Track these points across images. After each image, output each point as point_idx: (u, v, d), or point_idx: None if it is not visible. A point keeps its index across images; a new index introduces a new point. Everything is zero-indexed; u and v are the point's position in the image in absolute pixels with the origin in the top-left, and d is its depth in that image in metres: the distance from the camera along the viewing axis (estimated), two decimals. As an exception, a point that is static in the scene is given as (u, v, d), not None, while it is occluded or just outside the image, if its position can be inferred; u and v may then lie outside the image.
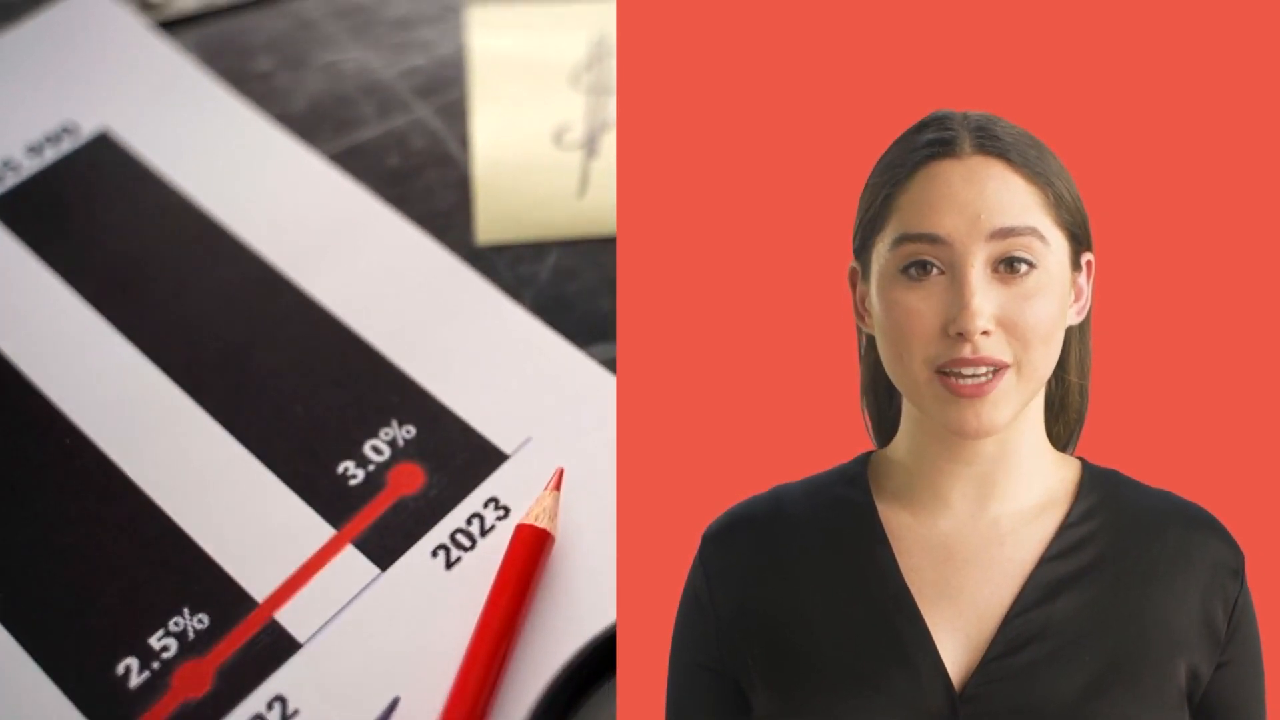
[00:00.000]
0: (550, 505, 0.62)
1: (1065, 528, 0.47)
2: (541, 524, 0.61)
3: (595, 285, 0.72)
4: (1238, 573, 0.47)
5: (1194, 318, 0.53)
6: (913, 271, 0.46)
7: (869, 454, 0.50)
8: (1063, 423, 0.49)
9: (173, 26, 0.85)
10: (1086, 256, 0.48)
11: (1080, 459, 0.49)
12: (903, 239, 0.46)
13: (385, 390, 0.68)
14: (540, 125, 0.79)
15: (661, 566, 0.51)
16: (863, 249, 0.48)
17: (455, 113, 0.80)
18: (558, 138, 0.78)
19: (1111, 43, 0.54)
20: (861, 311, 0.49)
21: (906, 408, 0.48)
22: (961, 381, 0.45)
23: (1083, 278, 0.48)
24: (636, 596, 0.53)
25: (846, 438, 0.50)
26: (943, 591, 0.46)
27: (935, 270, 0.46)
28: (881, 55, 0.54)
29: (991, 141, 0.46)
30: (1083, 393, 0.49)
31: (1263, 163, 0.53)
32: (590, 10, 0.87)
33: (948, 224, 0.45)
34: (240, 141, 0.78)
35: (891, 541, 0.47)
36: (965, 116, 0.47)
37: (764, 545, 0.48)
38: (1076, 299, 0.48)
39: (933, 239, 0.45)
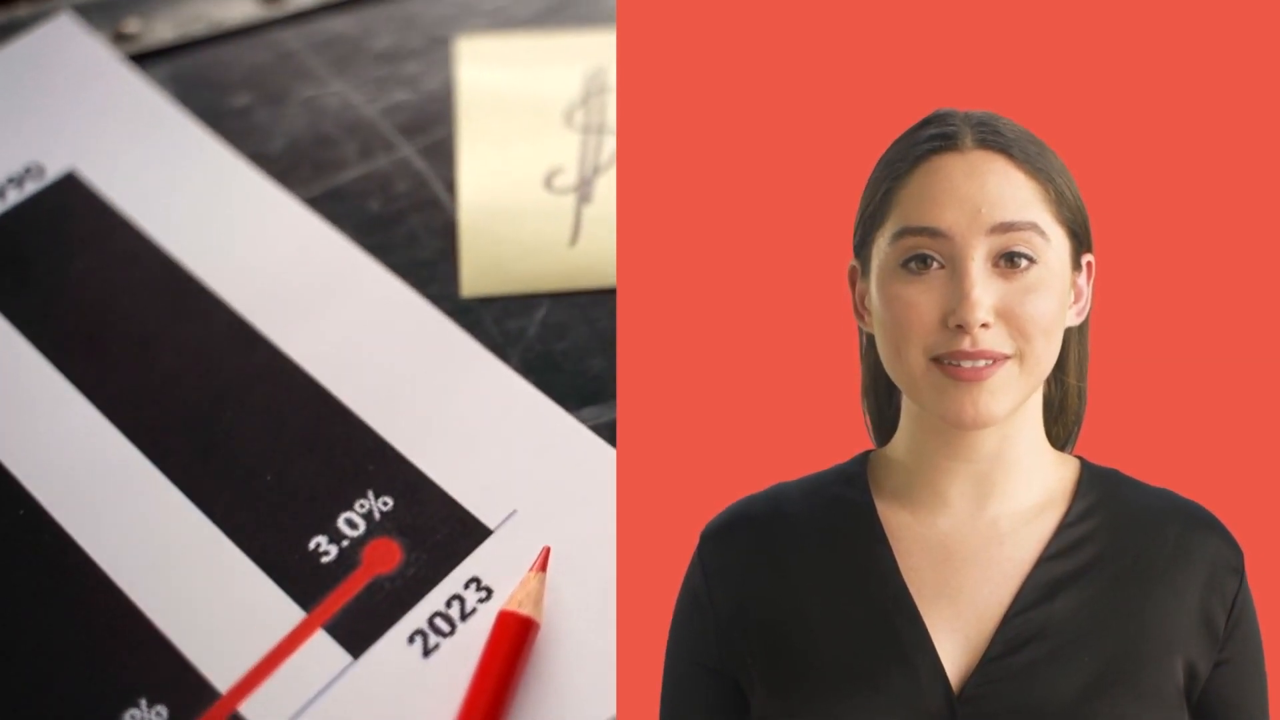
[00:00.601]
0: (535, 589, 0.58)
1: (1064, 527, 0.47)
2: (525, 610, 0.57)
3: (587, 343, 0.68)
4: (1237, 570, 0.47)
5: (1193, 319, 0.53)
6: (913, 265, 0.46)
7: (867, 453, 0.50)
8: (1061, 424, 0.49)
9: (146, 59, 0.81)
10: (1087, 258, 0.48)
11: (1079, 458, 0.49)
12: (903, 232, 0.46)
13: (361, 457, 0.64)
14: (531, 167, 0.75)
15: (661, 566, 0.51)
16: (863, 245, 0.48)
17: (441, 152, 0.76)
18: (549, 181, 0.74)
19: (1112, 44, 0.54)
20: (861, 310, 0.49)
21: (906, 405, 0.48)
22: (959, 367, 0.45)
23: (1082, 278, 0.48)
24: (636, 596, 0.52)
25: (846, 437, 0.50)
26: (941, 591, 0.46)
27: (935, 264, 0.46)
28: (881, 62, 0.54)
29: (993, 136, 0.46)
30: (1081, 395, 0.49)
31: (1262, 165, 0.53)
32: (586, 41, 0.82)
33: (948, 217, 0.45)
34: (214, 184, 0.74)
35: (891, 541, 0.47)
36: (967, 114, 0.47)
37: (763, 544, 0.48)
38: (1076, 300, 0.48)
39: (933, 232, 0.46)
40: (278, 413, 0.65)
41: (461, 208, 0.73)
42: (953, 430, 0.47)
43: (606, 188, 0.74)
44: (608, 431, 0.64)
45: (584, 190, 0.74)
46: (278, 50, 0.82)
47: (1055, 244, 0.46)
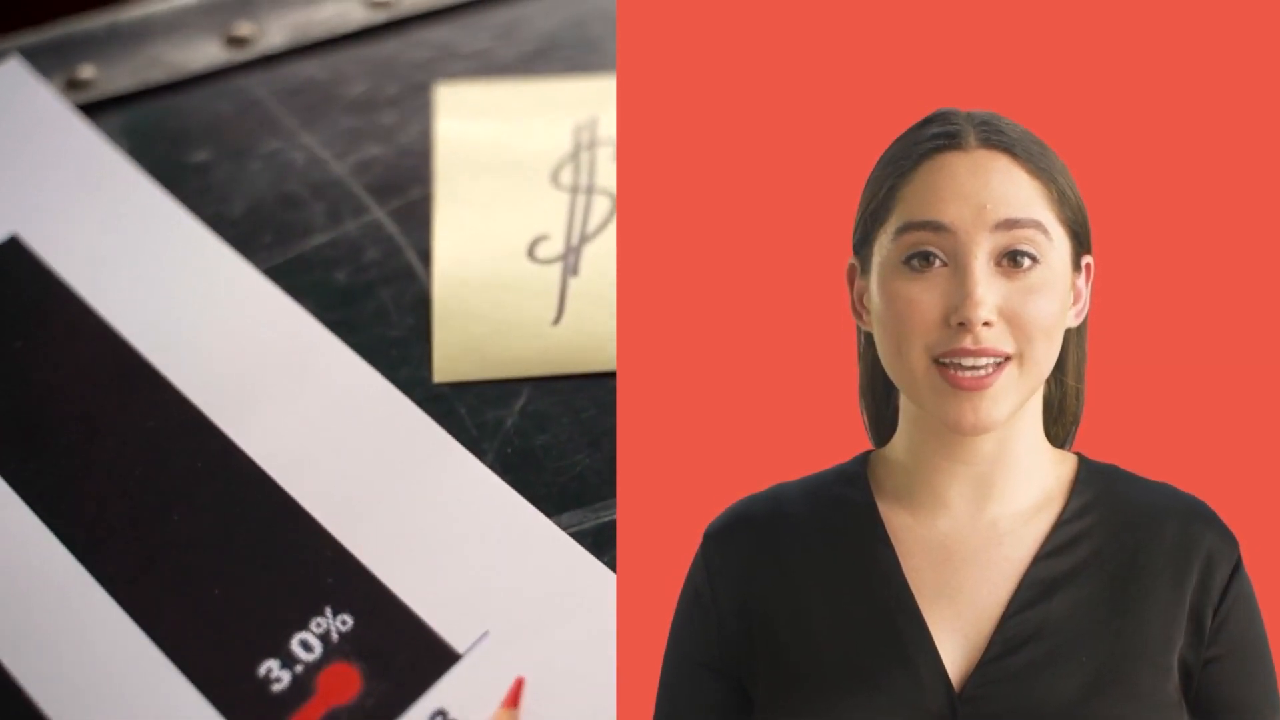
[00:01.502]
0: (506, 730, 0.52)
1: (1059, 524, 0.47)
2: (495, 756, 0.51)
3: (570, 436, 0.62)
4: (1229, 561, 0.47)
5: (1192, 319, 0.54)
6: (915, 262, 0.46)
7: (867, 453, 0.50)
8: (1060, 425, 0.49)
9: (99, 108, 0.74)
10: (1086, 259, 0.48)
11: (1078, 454, 0.49)
12: (906, 227, 0.46)
13: (319, 568, 0.58)
14: (513, 233, 0.69)
15: (661, 566, 0.51)
16: (863, 243, 0.48)
17: (415, 215, 0.70)
18: (532, 250, 0.68)
19: (1112, 45, 0.54)
20: (859, 309, 0.49)
21: (904, 405, 0.48)
22: (961, 373, 0.45)
23: (1082, 280, 0.48)
24: (636, 596, 0.52)
25: (847, 437, 0.50)
26: (942, 592, 0.46)
27: (938, 261, 0.46)
28: (881, 62, 0.54)
29: (997, 135, 0.47)
30: (1079, 396, 0.49)
31: (1261, 166, 0.54)
32: (576, 89, 0.76)
33: (952, 212, 0.46)
34: (168, 251, 0.68)
35: (893, 542, 0.47)
36: (970, 113, 0.48)
37: (766, 544, 0.48)
38: (1075, 301, 0.48)
39: (937, 226, 0.46)
40: (229, 515, 0.59)
41: (436, 281, 0.67)
42: (951, 433, 0.47)
43: (595, 259, 0.67)
44: (591, 539, 0.58)
45: (571, 261, 0.67)
46: (242, 98, 0.76)
47: (1057, 244, 0.47)
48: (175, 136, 0.74)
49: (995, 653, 0.46)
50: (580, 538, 0.58)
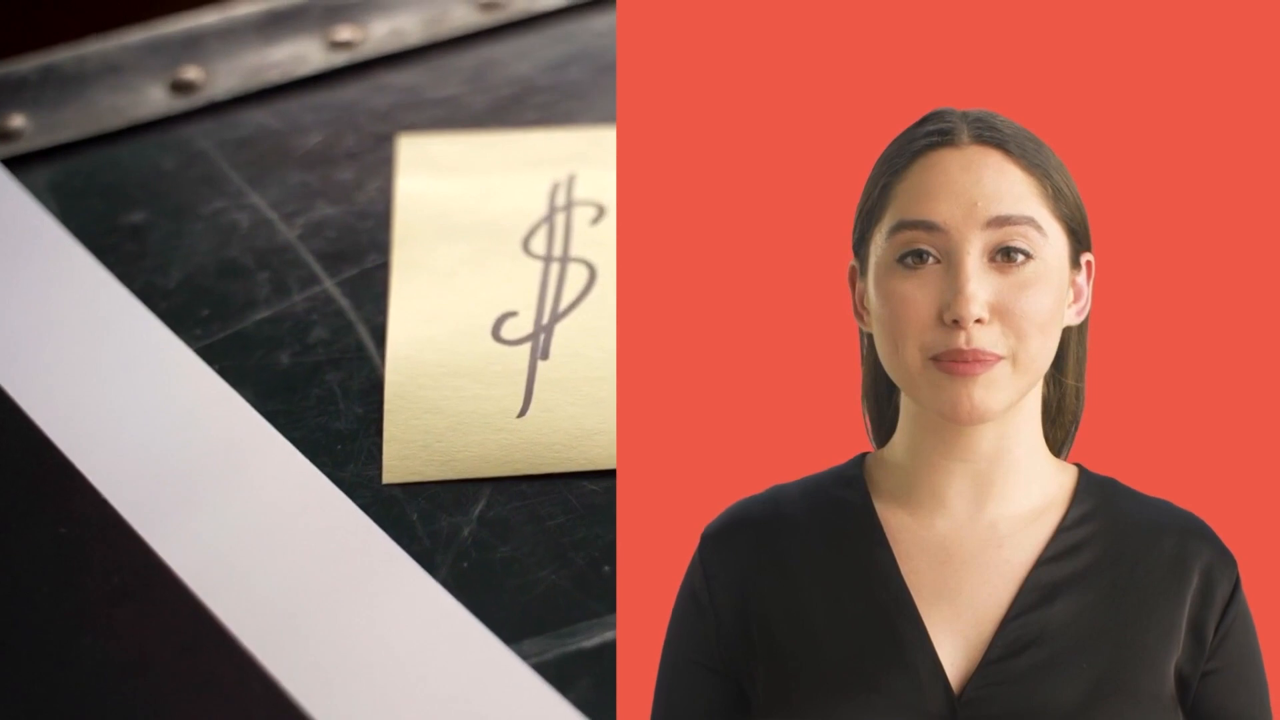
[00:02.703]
0: None
1: (1061, 531, 0.47)
2: None
3: (534, 549, 0.55)
4: (1230, 580, 0.47)
5: (1193, 320, 0.54)
6: (909, 260, 0.46)
7: (864, 456, 0.50)
8: (1059, 425, 0.50)
9: (25, 162, 0.68)
10: (1086, 256, 0.48)
11: (1078, 465, 0.49)
12: (899, 226, 0.47)
13: (248, 706, 0.51)
14: (477, 309, 0.62)
15: (661, 566, 0.50)
16: (861, 242, 0.49)
17: (370, 287, 0.64)
18: (498, 329, 0.61)
19: (1112, 44, 0.54)
20: (860, 310, 0.49)
21: (904, 404, 0.49)
22: (955, 363, 0.46)
23: (1082, 277, 0.48)
24: (636, 596, 0.51)
25: (847, 439, 0.50)
26: (941, 593, 0.47)
27: (931, 259, 0.46)
28: (880, 62, 0.55)
29: (990, 132, 0.47)
30: (1079, 395, 0.50)
31: (1263, 165, 0.54)
32: (555, 143, 0.69)
33: (944, 210, 0.46)
34: (93, 325, 0.62)
35: (891, 543, 0.47)
36: (965, 112, 0.48)
37: (764, 545, 0.48)
38: (1076, 299, 0.48)
39: (929, 226, 0.46)
40: (147, 642, 0.53)
41: (389, 365, 0.60)
42: (950, 428, 0.47)
43: (568, 340, 0.61)
44: (554, 672, 0.51)
45: (541, 343, 0.61)
46: (185, 150, 0.69)
47: (1053, 240, 0.47)
48: (109, 194, 0.68)
49: (996, 655, 0.46)
50: (543, 669, 0.51)
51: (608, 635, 0.52)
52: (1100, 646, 0.46)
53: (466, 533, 0.56)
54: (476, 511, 0.56)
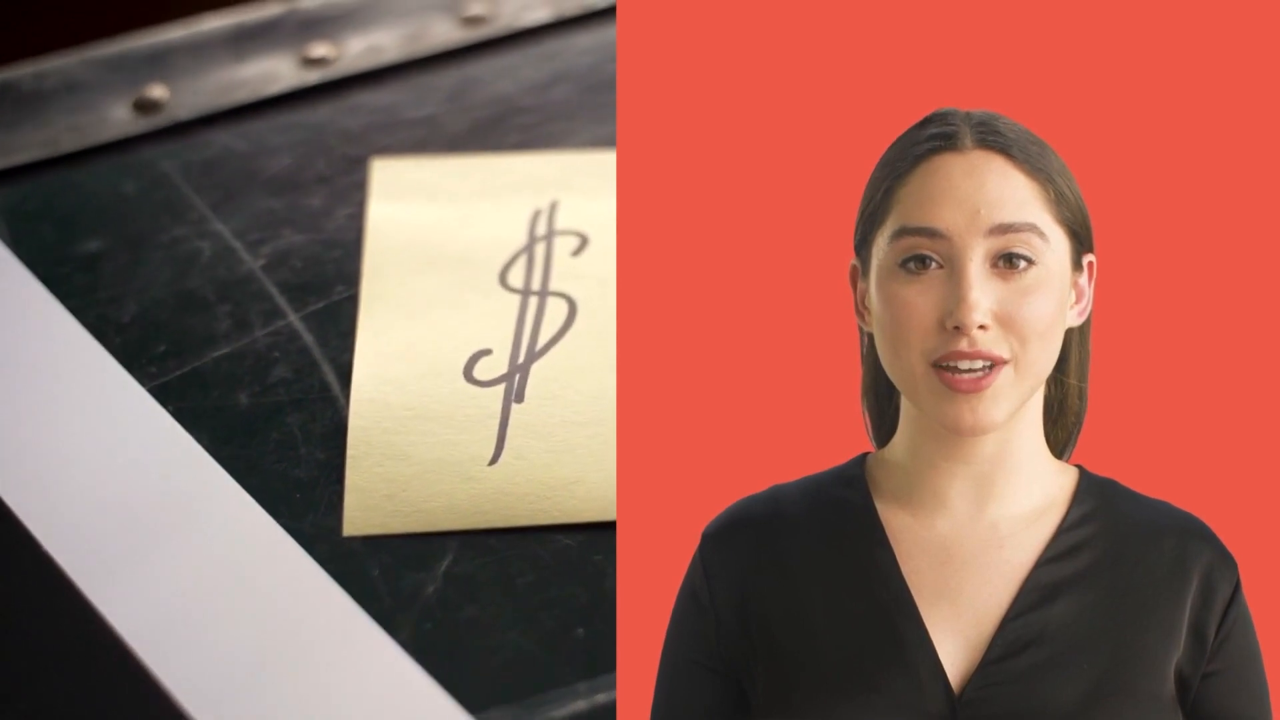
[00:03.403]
0: None
1: (1062, 531, 0.47)
2: None
3: (502, 609, 0.51)
4: (1231, 582, 0.47)
5: (1195, 320, 0.54)
6: (911, 265, 0.46)
7: (865, 455, 0.50)
8: (1061, 426, 0.50)
9: (-25, 185, 0.64)
10: (1088, 258, 0.48)
11: (1079, 467, 0.49)
12: (901, 232, 0.47)
13: (189, 779, 0.47)
14: (449, 346, 0.58)
15: (661, 566, 0.50)
16: (863, 244, 0.48)
17: (336, 321, 0.60)
18: (470, 368, 0.58)
19: (1112, 44, 0.54)
20: (862, 310, 0.49)
21: (904, 406, 0.49)
22: (958, 376, 0.46)
23: (1084, 279, 0.48)
24: (637, 596, 0.51)
25: (848, 439, 0.50)
26: (942, 593, 0.47)
27: (934, 264, 0.46)
28: (881, 62, 0.55)
29: (993, 136, 0.47)
30: (1081, 395, 0.50)
31: (1265, 164, 0.54)
32: (537, 168, 0.66)
33: (946, 218, 0.46)
34: (40, 362, 0.59)
35: (892, 543, 0.47)
36: (968, 114, 0.48)
37: (765, 544, 0.48)
38: (1078, 300, 0.48)
39: (931, 233, 0.46)
40: (83, 711, 0.49)
41: (354, 408, 0.56)
42: (952, 434, 0.48)
43: (544, 381, 0.57)
44: (524, 746, 0.48)
45: (515, 384, 0.57)
46: (146, 174, 0.66)
47: (1055, 245, 0.47)
48: (64, 220, 0.65)
49: (996, 655, 0.46)
50: (511, 745, 0.48)
51: (579, 705, 0.49)
52: (1100, 647, 0.46)
53: (431, 591, 0.52)
54: (442, 567, 0.52)
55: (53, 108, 0.68)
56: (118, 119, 0.68)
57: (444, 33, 0.73)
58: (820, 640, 0.47)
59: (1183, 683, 0.47)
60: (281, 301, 0.61)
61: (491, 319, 0.59)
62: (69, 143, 0.67)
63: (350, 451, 0.55)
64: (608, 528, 0.53)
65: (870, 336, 0.49)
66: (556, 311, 0.60)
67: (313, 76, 0.70)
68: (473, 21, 0.73)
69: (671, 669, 0.49)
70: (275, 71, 0.70)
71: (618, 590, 0.51)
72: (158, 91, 0.68)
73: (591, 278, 0.61)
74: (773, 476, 0.50)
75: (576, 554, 0.53)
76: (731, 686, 0.48)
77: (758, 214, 0.55)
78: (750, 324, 0.55)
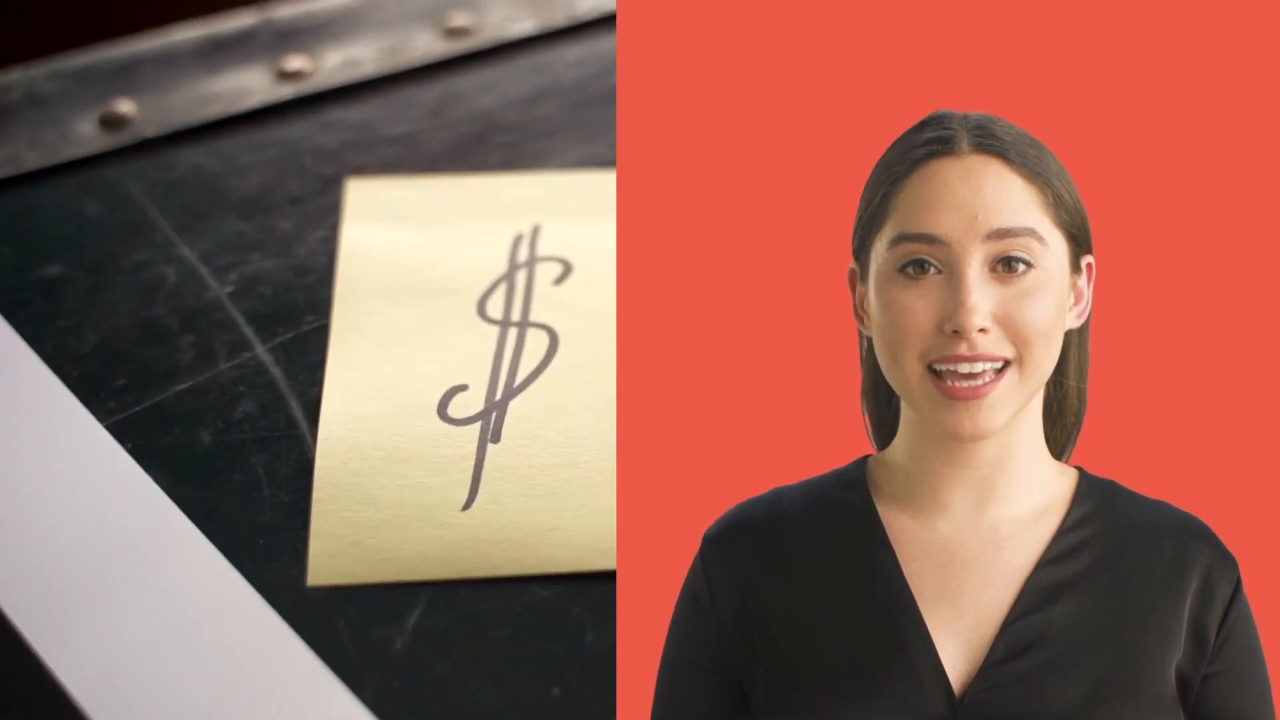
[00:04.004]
0: None
1: (1061, 532, 0.48)
2: None
3: (475, 666, 0.49)
4: (1231, 582, 0.48)
5: (1194, 321, 0.54)
6: (910, 270, 0.46)
7: (866, 458, 0.50)
8: (1060, 427, 0.50)
9: (-67, 206, 0.62)
10: (1087, 259, 0.48)
11: (1078, 468, 0.49)
12: (900, 238, 0.47)
13: None
14: (423, 381, 0.56)
15: (661, 568, 0.50)
16: (861, 249, 0.48)
17: (305, 353, 0.57)
18: (445, 405, 0.55)
19: (1112, 45, 0.54)
20: (861, 313, 0.49)
21: (904, 409, 0.49)
22: (956, 384, 0.46)
23: (1083, 280, 0.49)
24: (637, 597, 0.50)
25: (848, 441, 0.50)
26: (943, 595, 0.47)
27: (933, 269, 0.46)
28: (880, 62, 0.55)
29: (990, 140, 0.47)
30: (1081, 396, 0.50)
31: (1264, 165, 0.54)
32: (520, 189, 0.63)
33: (945, 223, 0.46)
34: None
35: (893, 545, 0.47)
36: (965, 116, 0.48)
37: (766, 547, 0.48)
38: (1076, 302, 0.48)
39: (930, 239, 0.46)
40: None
41: (321, 448, 0.53)
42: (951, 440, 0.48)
43: (523, 420, 0.54)
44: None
45: (492, 423, 0.54)
46: (110, 194, 0.63)
47: (1053, 248, 0.47)
48: (24, 243, 0.62)
49: (997, 657, 0.46)
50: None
51: (554, 773, 0.46)
52: (1101, 648, 0.46)
53: (399, 645, 0.49)
54: (412, 620, 0.50)
55: (14, 124, 0.65)
56: (83, 135, 0.65)
57: (425, 45, 0.70)
58: (821, 642, 0.47)
59: (1184, 683, 0.47)
60: (248, 332, 0.58)
61: (468, 352, 0.57)
62: (31, 160, 0.64)
63: (316, 495, 0.52)
64: (587, 578, 0.51)
65: (869, 340, 0.49)
66: (537, 344, 0.57)
67: (287, 91, 0.67)
68: (456, 33, 0.70)
69: (672, 670, 0.48)
70: (248, 85, 0.67)
71: (617, 595, 0.50)
72: (125, 106, 0.65)
73: (574, 308, 0.58)
74: (774, 479, 0.49)
75: (554, 606, 0.50)
76: (732, 688, 0.48)
77: (757, 214, 0.54)
78: (751, 324, 0.54)
